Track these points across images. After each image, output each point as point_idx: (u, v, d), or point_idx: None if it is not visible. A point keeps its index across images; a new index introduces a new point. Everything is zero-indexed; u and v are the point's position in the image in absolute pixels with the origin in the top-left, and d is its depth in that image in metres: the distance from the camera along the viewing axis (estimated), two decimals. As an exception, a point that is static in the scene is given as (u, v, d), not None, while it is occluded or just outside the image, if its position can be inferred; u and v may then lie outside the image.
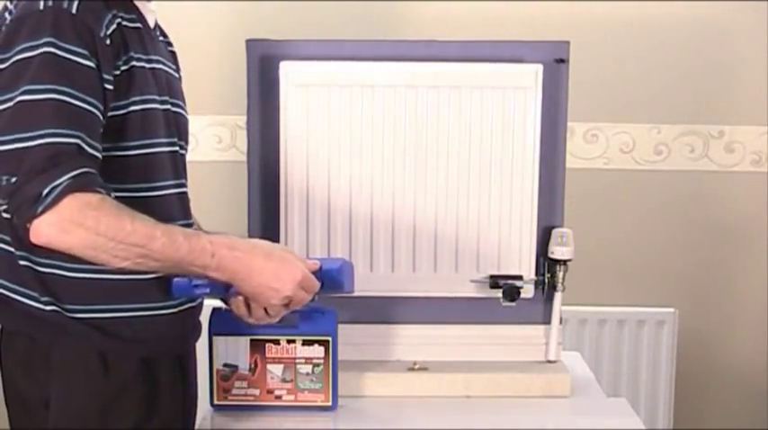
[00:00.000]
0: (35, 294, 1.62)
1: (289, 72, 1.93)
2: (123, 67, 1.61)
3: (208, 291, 1.64)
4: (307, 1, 2.82)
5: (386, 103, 1.94)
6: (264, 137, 1.97)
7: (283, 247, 1.74)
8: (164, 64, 1.75)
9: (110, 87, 1.58)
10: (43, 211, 1.47)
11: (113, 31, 1.60)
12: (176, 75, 1.83)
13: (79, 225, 1.48)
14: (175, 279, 1.62)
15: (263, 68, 1.95)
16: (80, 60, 1.54)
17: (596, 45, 2.85)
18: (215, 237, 1.60)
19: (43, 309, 1.62)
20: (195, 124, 2.79)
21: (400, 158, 1.95)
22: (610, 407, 1.99)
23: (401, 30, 2.84)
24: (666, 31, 2.88)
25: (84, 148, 1.52)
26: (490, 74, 1.94)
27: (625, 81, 2.90)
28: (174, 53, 1.88)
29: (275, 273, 1.60)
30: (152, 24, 1.75)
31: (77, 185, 1.48)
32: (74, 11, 1.55)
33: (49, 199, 1.47)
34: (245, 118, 1.98)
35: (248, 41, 1.96)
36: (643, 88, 2.90)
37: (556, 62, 1.96)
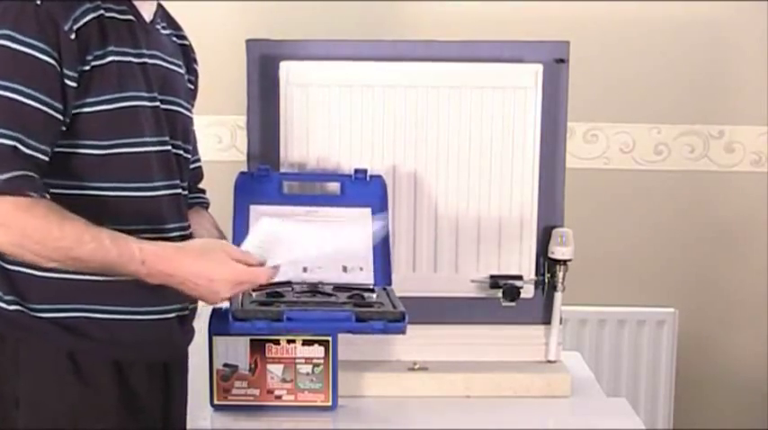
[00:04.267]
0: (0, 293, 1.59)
1: (289, 72, 1.93)
2: (96, 62, 1.55)
3: None
4: (307, 1, 2.82)
5: (386, 102, 1.94)
6: (264, 137, 1.97)
7: (222, 244, 1.66)
8: (161, 59, 1.68)
9: (72, 84, 1.53)
10: None
11: (86, 23, 1.54)
12: (180, 70, 1.76)
13: (4, 226, 1.47)
14: (236, 323, 1.60)
15: (263, 68, 1.95)
16: (37, 55, 1.49)
17: (596, 45, 2.85)
18: (145, 244, 1.56)
19: (6, 309, 1.58)
20: (195, 124, 2.80)
21: (400, 158, 1.95)
22: (610, 407, 1.99)
23: (401, 30, 2.83)
24: (666, 31, 2.88)
25: (20, 149, 1.48)
26: (490, 74, 1.95)
27: (625, 81, 2.90)
28: (184, 47, 1.81)
29: (210, 278, 1.57)
30: (148, 18, 1.68)
31: (8, 189, 1.46)
32: (38, 1, 1.50)
33: None
34: (245, 118, 1.98)
35: (248, 41, 1.96)
36: (643, 88, 2.90)
37: (556, 62, 1.96)
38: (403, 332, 1.65)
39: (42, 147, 1.51)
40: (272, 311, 1.62)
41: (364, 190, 1.87)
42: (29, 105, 1.49)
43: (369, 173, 1.89)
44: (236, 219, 1.82)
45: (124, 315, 1.63)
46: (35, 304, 1.58)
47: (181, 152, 1.73)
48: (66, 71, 1.52)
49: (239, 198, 1.84)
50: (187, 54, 1.82)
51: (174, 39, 1.78)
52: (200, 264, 1.57)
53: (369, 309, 1.65)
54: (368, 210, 1.85)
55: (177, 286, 1.58)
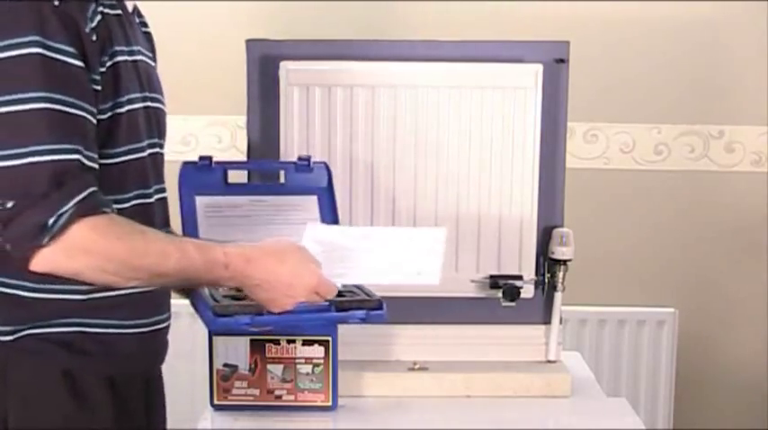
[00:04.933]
0: None
1: (289, 72, 1.93)
2: (108, 63, 1.49)
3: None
4: (307, 1, 2.82)
5: (386, 103, 1.94)
6: (264, 137, 1.97)
7: (300, 247, 1.58)
8: (143, 53, 1.62)
9: (97, 88, 1.47)
10: (50, 241, 1.37)
11: (98, 23, 1.47)
12: (152, 63, 1.70)
13: (87, 251, 1.40)
14: (218, 319, 1.55)
15: (263, 68, 1.95)
16: (70, 60, 1.42)
17: (596, 45, 2.85)
18: (228, 248, 1.51)
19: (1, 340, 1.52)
20: (195, 124, 2.82)
21: (400, 158, 1.95)
22: (610, 407, 1.99)
23: (401, 30, 2.83)
24: (666, 31, 2.88)
25: (84, 163, 1.42)
26: (490, 74, 1.94)
27: (625, 81, 2.90)
28: (148, 35, 1.74)
29: (289, 282, 1.52)
30: (130, 8, 1.61)
31: (85, 210, 1.39)
32: (56, 1, 1.41)
33: (56, 227, 1.37)
34: (245, 118, 1.98)
35: (248, 41, 1.96)
36: (643, 88, 2.90)
37: (556, 62, 1.96)
38: (384, 319, 1.63)
39: (95, 155, 1.45)
40: (253, 305, 1.57)
41: (308, 177, 1.84)
42: (76, 115, 1.42)
43: (312, 159, 1.85)
44: (183, 211, 1.76)
45: (119, 328, 1.58)
46: (29, 324, 1.52)
47: (163, 151, 1.70)
48: (92, 76, 1.46)
49: (184, 189, 1.78)
50: (151, 42, 1.75)
51: (141, 27, 1.72)
52: (283, 268, 1.52)
53: (345, 298, 1.62)
54: (313, 198, 1.83)
55: (250, 288, 1.53)
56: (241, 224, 1.77)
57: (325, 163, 1.86)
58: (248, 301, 1.57)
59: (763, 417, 3.01)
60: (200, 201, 1.78)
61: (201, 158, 1.82)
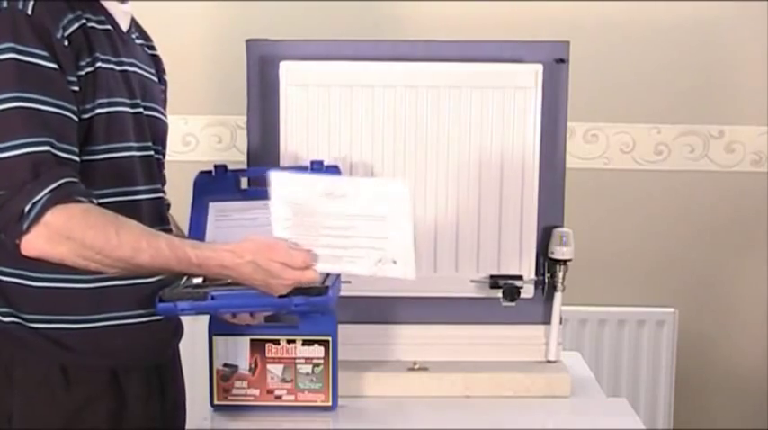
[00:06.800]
0: None
1: (289, 72, 1.93)
2: (88, 69, 1.59)
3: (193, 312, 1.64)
4: (307, 1, 2.82)
5: (386, 102, 1.94)
6: (264, 137, 1.97)
7: (276, 248, 1.58)
8: (138, 67, 1.72)
9: (75, 89, 1.56)
10: (29, 228, 1.47)
11: (74, 31, 1.57)
12: (154, 79, 1.79)
13: (66, 238, 1.48)
14: (160, 304, 1.61)
15: (263, 68, 1.95)
16: (42, 63, 1.52)
17: (596, 45, 2.85)
18: (200, 249, 1.56)
19: (2, 321, 1.59)
20: (195, 124, 2.81)
21: (400, 158, 1.95)
22: (610, 407, 1.99)
23: (401, 30, 2.84)
24: (666, 30, 2.88)
25: (57, 155, 1.51)
26: (490, 74, 1.95)
27: (625, 81, 2.90)
28: (155, 57, 1.85)
29: (264, 284, 1.57)
30: (125, 27, 1.72)
31: (58, 198, 1.48)
32: (29, 12, 1.52)
33: (32, 214, 1.46)
34: (245, 118, 1.98)
35: (248, 41, 1.96)
36: (643, 88, 2.90)
37: (556, 62, 1.96)
38: (327, 307, 1.63)
39: (72, 148, 1.54)
40: (197, 292, 1.62)
41: None
42: (47, 111, 1.51)
43: (325, 163, 1.87)
44: (192, 216, 1.82)
45: (114, 321, 1.64)
46: (29, 315, 1.60)
47: (160, 157, 1.77)
48: (68, 77, 1.55)
49: (198, 196, 1.84)
50: (158, 64, 1.85)
51: (146, 49, 1.81)
52: (255, 274, 1.56)
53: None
54: None
55: (234, 280, 1.60)
56: (248, 226, 1.80)
57: (336, 166, 1.87)
58: (198, 289, 1.62)
59: (763, 417, 3.01)
60: (214, 206, 1.84)
61: (216, 166, 1.87)
